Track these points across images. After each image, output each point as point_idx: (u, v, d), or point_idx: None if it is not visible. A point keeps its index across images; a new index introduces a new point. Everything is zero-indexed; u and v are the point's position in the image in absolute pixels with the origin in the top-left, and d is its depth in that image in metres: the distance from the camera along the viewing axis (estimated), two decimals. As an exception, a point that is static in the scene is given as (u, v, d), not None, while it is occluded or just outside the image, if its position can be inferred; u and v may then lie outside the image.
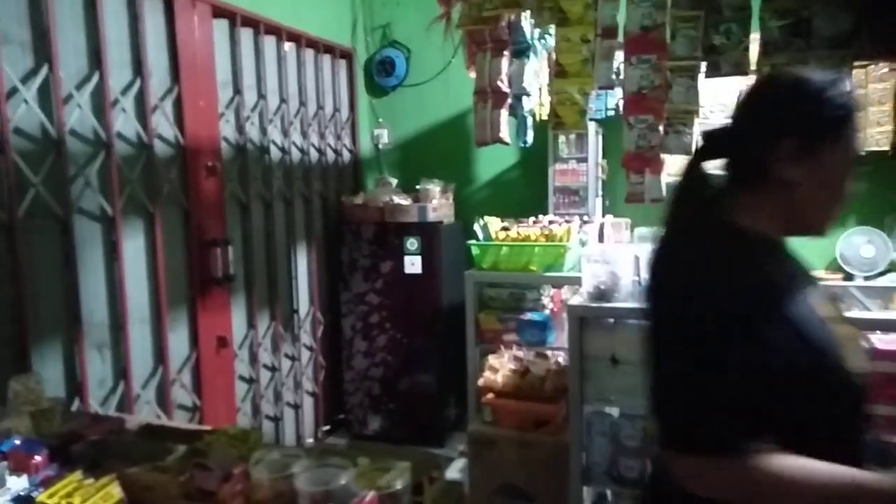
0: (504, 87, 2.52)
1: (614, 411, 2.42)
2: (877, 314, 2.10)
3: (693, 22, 2.15)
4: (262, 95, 3.67)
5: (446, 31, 2.58)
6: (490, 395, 2.59)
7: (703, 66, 2.19)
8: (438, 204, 4.16)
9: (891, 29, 1.92)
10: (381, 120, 4.84)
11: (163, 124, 2.95)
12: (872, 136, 3.67)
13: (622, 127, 2.28)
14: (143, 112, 2.84)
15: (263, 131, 3.69)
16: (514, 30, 2.50)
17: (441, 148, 4.78)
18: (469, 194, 4.76)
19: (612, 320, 2.30)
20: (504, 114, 2.55)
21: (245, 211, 3.55)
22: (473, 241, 3.00)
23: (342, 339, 4.26)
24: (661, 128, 2.23)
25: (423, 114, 4.80)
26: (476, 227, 3.02)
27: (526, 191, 4.59)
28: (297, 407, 4.02)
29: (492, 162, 4.68)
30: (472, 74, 2.64)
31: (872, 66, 3.41)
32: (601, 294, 2.28)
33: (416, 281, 4.03)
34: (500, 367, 2.63)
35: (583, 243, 2.98)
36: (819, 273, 4.15)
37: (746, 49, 2.12)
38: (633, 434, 2.32)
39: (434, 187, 4.21)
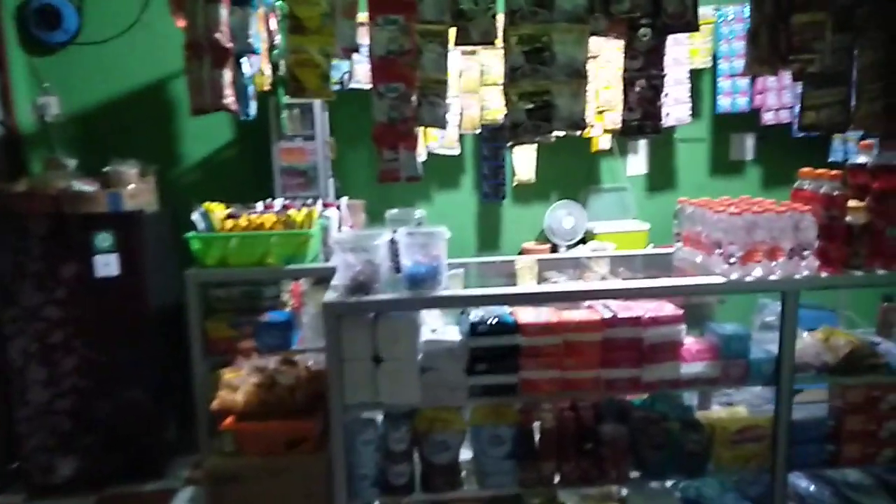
0: (224, 40, 2.04)
1: (377, 415, 2.19)
2: (625, 283, 2.22)
3: (440, -19, 1.97)
4: None
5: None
6: (229, 420, 2.13)
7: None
8: (136, 189, 3.49)
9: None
10: (47, 85, 3.82)
11: None
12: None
13: (352, 101, 2.02)
14: None
15: None
16: (233, -30, 2.04)
17: (137, 121, 4.00)
18: (177, 177, 4.08)
19: (372, 315, 2.04)
20: (227, 74, 2.07)
21: None
22: (193, 233, 2.45)
23: (10, 369, 3.27)
24: (413, 98, 2.02)
25: (108, 78, 3.95)
26: (195, 216, 2.48)
27: (246, 172, 4.10)
28: (-57, 469, 2.96)
29: (203, 139, 4.07)
30: (181, 23, 2.10)
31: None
32: (359, 286, 2.00)
33: (112, 285, 3.30)
34: (239, 384, 2.19)
35: (325, 229, 2.66)
36: (530, 244, 4.51)
37: (494, 16, 2.02)
38: (401, 437, 2.11)
39: (129, 170, 3.52)
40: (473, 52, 4.01)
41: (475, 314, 2.13)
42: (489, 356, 2.07)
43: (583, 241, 4.47)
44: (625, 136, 2.18)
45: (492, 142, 4.33)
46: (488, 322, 2.08)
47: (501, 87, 2.09)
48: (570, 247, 4.49)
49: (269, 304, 2.62)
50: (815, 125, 2.18)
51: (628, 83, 2.09)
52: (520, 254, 4.53)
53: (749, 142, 4.64)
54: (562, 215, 4.51)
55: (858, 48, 2.13)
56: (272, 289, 2.65)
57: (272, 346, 2.48)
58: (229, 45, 2.04)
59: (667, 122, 4.29)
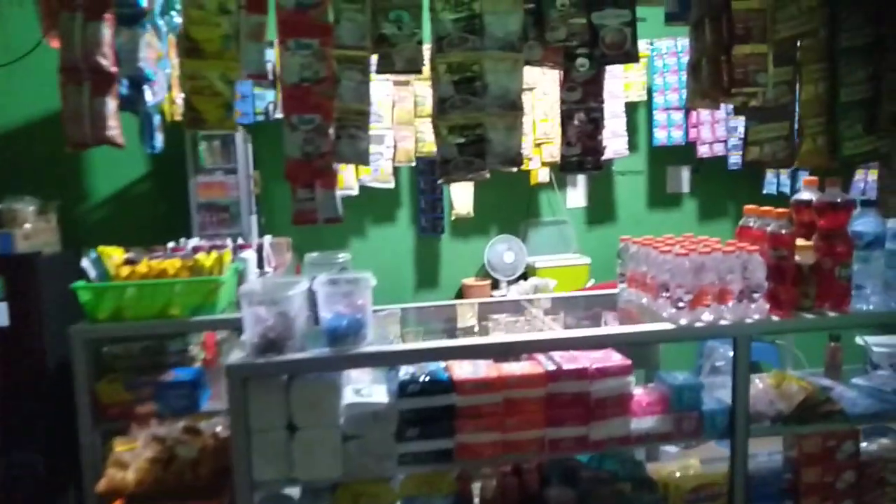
0: (108, 64, 1.77)
1: (294, 491, 1.91)
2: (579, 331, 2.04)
3: (358, 4, 1.78)
4: None
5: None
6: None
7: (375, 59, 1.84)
8: (34, 229, 3.18)
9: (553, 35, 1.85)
10: (-70, 112, 3.44)
11: None
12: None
13: (277, 132, 1.81)
14: None
15: None
16: (119, -14, 1.78)
17: (36, 153, 3.66)
18: (82, 215, 3.73)
19: (285, 377, 1.78)
20: (111, 103, 1.80)
21: None
22: (82, 283, 2.14)
23: None
24: (331, 130, 1.80)
25: (3, 107, 3.58)
26: (85, 263, 2.17)
27: (161, 209, 3.78)
28: None
29: (113, 173, 3.75)
30: (55, 44, 1.82)
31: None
32: (270, 344, 1.75)
33: (1, 337, 2.92)
34: (131, 459, 1.87)
35: (240, 273, 2.39)
36: (470, 280, 4.33)
37: (420, 42, 1.84)
38: (322, 515, 1.85)
39: (25, 207, 3.20)
40: (407, 83, 3.86)
41: (405, 370, 1.90)
42: (421, 419, 1.84)
43: (524, 276, 4.33)
44: (565, 172, 2.03)
45: (429, 175, 4.17)
46: (420, 380, 1.85)
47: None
48: (510, 282, 4.34)
49: (174, 361, 2.31)
50: (759, 161, 2.08)
51: (566, 116, 1.94)
52: (459, 290, 4.34)
53: (685, 174, 4.64)
54: (502, 250, 4.36)
55: (800, 82, 2.05)
56: (178, 342, 2.35)
57: (176, 410, 2.17)
58: (113, 69, 1.77)
59: (605, 155, 4.23)
